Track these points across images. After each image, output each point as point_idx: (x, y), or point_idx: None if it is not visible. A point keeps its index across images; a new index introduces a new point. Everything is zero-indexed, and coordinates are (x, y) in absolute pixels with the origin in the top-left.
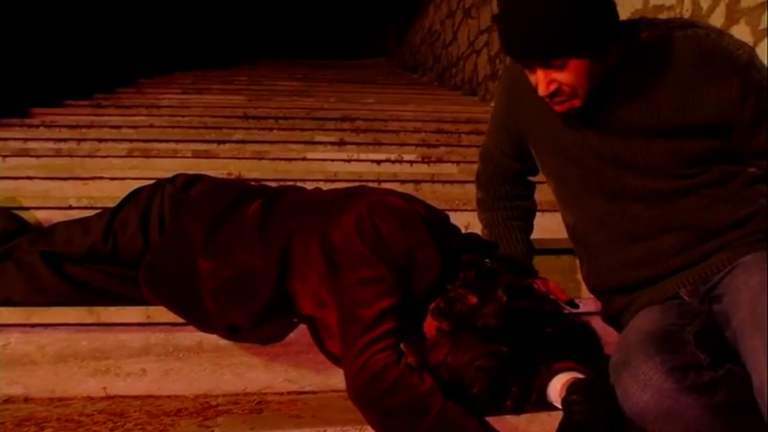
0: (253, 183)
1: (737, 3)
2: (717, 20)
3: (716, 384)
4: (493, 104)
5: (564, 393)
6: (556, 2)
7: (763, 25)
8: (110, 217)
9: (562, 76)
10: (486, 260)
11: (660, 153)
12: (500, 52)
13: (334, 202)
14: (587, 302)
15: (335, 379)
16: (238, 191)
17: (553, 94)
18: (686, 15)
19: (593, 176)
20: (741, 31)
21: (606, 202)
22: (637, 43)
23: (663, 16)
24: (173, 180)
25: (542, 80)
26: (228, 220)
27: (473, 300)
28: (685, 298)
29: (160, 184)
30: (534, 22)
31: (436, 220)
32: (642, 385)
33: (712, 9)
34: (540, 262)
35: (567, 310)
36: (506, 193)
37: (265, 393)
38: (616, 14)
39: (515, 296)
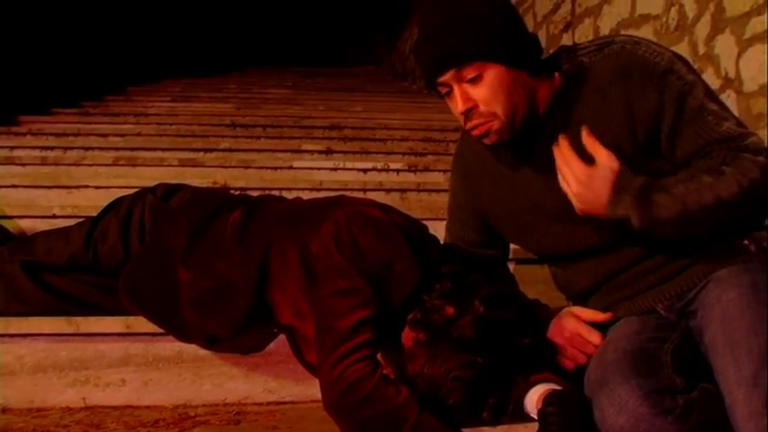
0: (235, 192)
1: (722, 12)
2: (702, 29)
3: (691, 407)
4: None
5: (540, 405)
6: (458, 8)
7: (747, 34)
8: (90, 226)
9: (477, 93)
10: (465, 271)
11: None
12: None
13: (314, 212)
14: None
15: (315, 389)
16: (218, 201)
17: (469, 116)
18: (672, 24)
19: (559, 223)
20: (726, 41)
21: (573, 239)
22: (562, 76)
23: (649, 26)
24: (153, 190)
25: (458, 97)
26: (208, 229)
27: (450, 310)
28: (662, 313)
29: (141, 193)
30: (440, 31)
31: (415, 231)
32: (618, 408)
33: (698, 18)
34: (523, 271)
35: None
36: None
37: (245, 404)
38: (525, 27)
39: (492, 307)
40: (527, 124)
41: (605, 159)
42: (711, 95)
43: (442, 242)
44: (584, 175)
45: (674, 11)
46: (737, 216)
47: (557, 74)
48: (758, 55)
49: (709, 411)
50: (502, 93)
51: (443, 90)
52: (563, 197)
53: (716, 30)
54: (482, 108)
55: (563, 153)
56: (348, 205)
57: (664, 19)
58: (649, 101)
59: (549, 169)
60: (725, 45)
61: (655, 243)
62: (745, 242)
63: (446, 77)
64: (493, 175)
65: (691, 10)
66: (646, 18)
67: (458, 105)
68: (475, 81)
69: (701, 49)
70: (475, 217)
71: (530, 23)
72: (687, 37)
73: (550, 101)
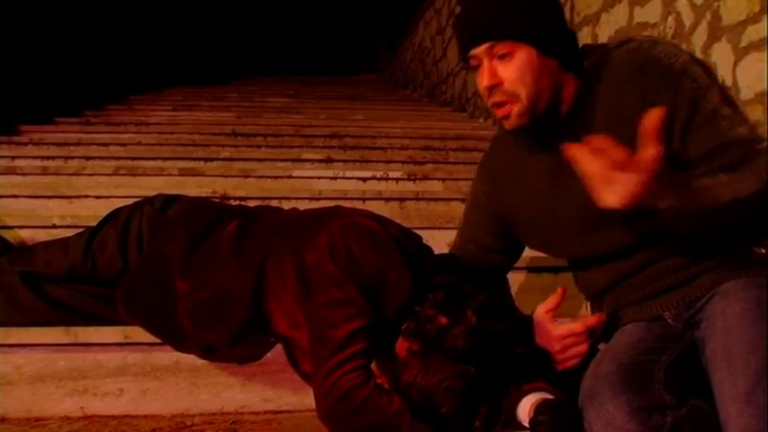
0: (234, 202)
1: (719, 21)
2: (699, 37)
3: (679, 424)
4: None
5: (532, 414)
6: None
7: (744, 42)
8: (89, 237)
9: (505, 71)
10: (459, 281)
11: None
12: None
13: (309, 222)
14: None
15: (312, 398)
16: (215, 211)
17: (492, 92)
18: (669, 33)
19: (577, 228)
20: (723, 49)
21: (588, 238)
22: (586, 72)
23: (646, 34)
24: (151, 201)
25: (486, 71)
26: (205, 240)
27: (443, 320)
28: (669, 321)
29: (139, 204)
30: (481, 6)
31: (409, 242)
32: (605, 424)
33: (695, 27)
34: (520, 279)
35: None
36: (485, 265)
37: (242, 413)
38: (565, 21)
39: (485, 317)
40: (549, 115)
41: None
42: (727, 100)
43: (452, 243)
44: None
45: (671, 19)
46: (752, 216)
47: (580, 70)
48: (754, 63)
49: (697, 429)
50: (528, 75)
51: (474, 63)
52: (584, 205)
53: (713, 38)
54: (506, 86)
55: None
56: (343, 216)
57: (661, 27)
58: (663, 101)
59: (571, 176)
60: (722, 53)
61: (668, 249)
62: (761, 250)
63: (478, 50)
64: (519, 181)
65: (688, 18)
66: (644, 26)
67: (483, 80)
68: (504, 59)
69: (699, 57)
70: (495, 221)
71: None
72: (684, 45)
73: (574, 99)
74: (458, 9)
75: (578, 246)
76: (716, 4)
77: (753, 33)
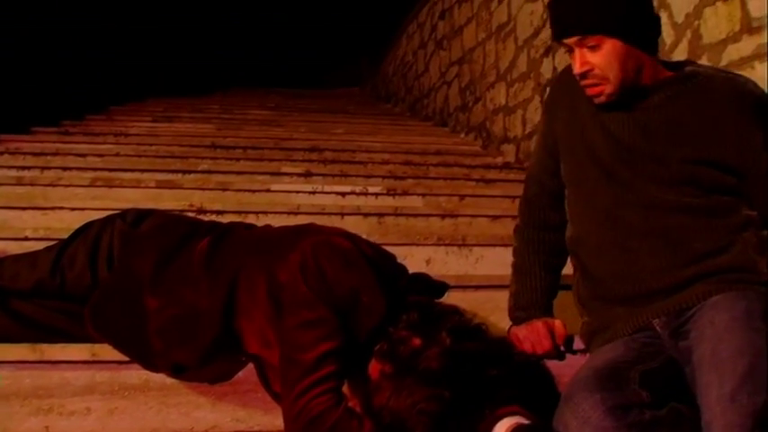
0: (210, 216)
1: (700, 39)
2: (680, 56)
3: (657, 423)
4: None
5: None
6: None
7: (724, 61)
8: (58, 252)
9: (595, 58)
10: (433, 301)
11: (673, 171)
12: (470, 84)
13: (282, 240)
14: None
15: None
16: (187, 227)
17: (585, 76)
18: None
19: (605, 178)
20: None
21: (608, 207)
22: (680, 73)
23: None
24: (123, 215)
25: (578, 59)
26: (176, 257)
27: (416, 342)
28: (657, 329)
29: (110, 219)
30: (571, 2)
31: (383, 261)
32: (581, 422)
33: (675, 45)
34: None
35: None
36: (540, 220)
37: None
38: (651, 7)
39: (460, 338)
40: (633, 89)
41: None
42: None
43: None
44: None
45: None
46: None
47: (674, 69)
48: None
49: (677, 429)
50: (616, 62)
51: (566, 47)
52: (622, 158)
53: (693, 56)
54: (597, 71)
55: None
56: (316, 234)
57: None
58: (755, 137)
59: (624, 132)
60: None
61: (672, 237)
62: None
63: (570, 41)
64: (574, 109)
65: (668, 36)
66: None
67: (576, 66)
68: (594, 49)
69: None
70: (550, 155)
71: (510, 48)
72: None
73: (654, 79)
74: (440, 24)
75: (605, 196)
76: (696, 22)
77: (733, 52)
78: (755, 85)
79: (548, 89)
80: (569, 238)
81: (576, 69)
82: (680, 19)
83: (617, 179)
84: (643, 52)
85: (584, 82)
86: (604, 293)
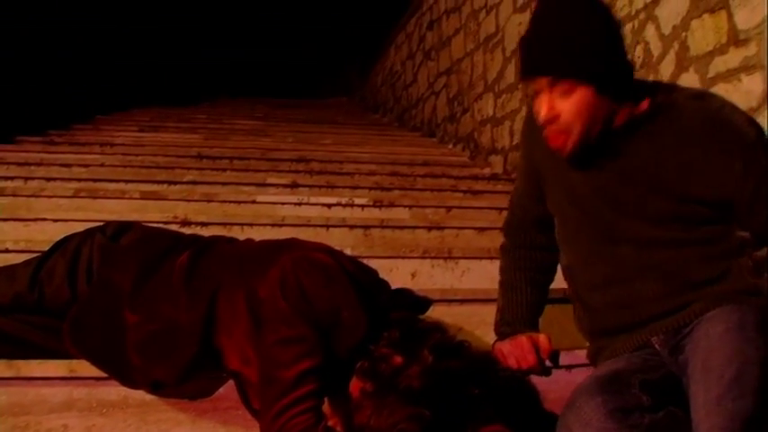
0: (194, 227)
1: (687, 51)
2: (667, 67)
3: (655, 426)
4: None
5: None
6: (569, 23)
7: (711, 73)
8: (37, 265)
9: (564, 106)
10: (415, 318)
11: (656, 208)
12: (458, 95)
13: (262, 255)
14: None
15: None
16: (168, 241)
17: (550, 122)
18: (638, 62)
19: (589, 216)
20: (690, 79)
21: (597, 243)
22: (651, 104)
23: None
24: (103, 228)
25: (545, 103)
26: (156, 271)
27: (398, 360)
28: (656, 347)
29: (90, 232)
30: (546, 39)
31: (364, 277)
32: (584, 425)
33: (663, 56)
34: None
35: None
36: (527, 241)
37: None
38: (625, 55)
39: (442, 356)
40: (598, 138)
41: None
42: None
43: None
44: None
45: (639, 48)
46: None
47: (645, 101)
48: (722, 94)
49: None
50: (585, 112)
51: (532, 91)
52: (603, 198)
53: (680, 68)
54: (562, 120)
55: None
56: (297, 249)
57: (630, 56)
58: (732, 167)
59: (601, 176)
60: (689, 83)
61: (663, 278)
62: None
63: (539, 83)
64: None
65: (656, 48)
66: None
67: (542, 111)
68: (564, 95)
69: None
70: (531, 182)
71: (498, 58)
72: (652, 75)
73: (628, 120)
74: (428, 34)
75: (591, 221)
76: (684, 34)
77: (720, 64)
78: (732, 108)
79: (523, 124)
80: (564, 267)
81: (543, 115)
82: (667, 31)
83: (600, 218)
84: (615, 102)
85: (547, 129)
86: (604, 324)
